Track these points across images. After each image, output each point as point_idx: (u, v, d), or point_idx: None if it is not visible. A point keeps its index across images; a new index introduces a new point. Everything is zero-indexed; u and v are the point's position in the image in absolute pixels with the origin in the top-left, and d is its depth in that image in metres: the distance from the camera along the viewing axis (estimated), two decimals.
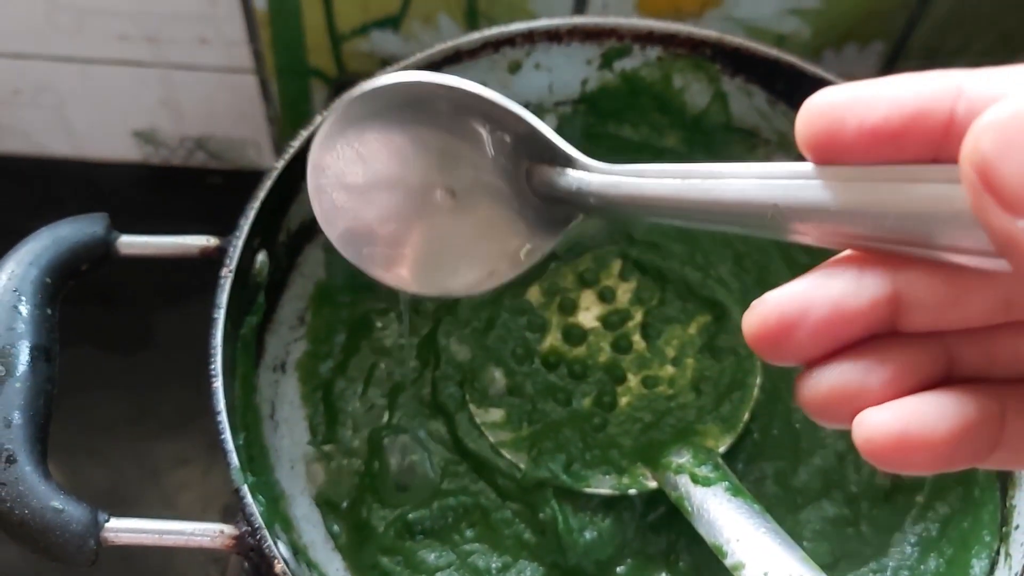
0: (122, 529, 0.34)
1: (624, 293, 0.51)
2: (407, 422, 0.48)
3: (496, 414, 0.47)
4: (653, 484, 0.44)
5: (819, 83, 0.49)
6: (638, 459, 0.45)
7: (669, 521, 0.45)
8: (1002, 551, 0.42)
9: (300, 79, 0.72)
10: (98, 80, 0.72)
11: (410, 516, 0.45)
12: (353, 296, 0.51)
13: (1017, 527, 0.41)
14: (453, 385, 0.48)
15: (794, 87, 0.51)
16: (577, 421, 0.47)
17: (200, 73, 0.71)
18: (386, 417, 0.48)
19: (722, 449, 0.44)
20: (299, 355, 0.49)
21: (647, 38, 0.50)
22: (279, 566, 0.34)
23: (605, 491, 0.44)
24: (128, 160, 0.81)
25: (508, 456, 0.45)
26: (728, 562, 0.39)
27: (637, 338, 0.50)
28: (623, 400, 0.48)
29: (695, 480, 0.42)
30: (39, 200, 0.79)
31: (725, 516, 0.40)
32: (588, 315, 0.51)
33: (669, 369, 0.49)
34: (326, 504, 0.46)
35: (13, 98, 0.74)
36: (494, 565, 0.44)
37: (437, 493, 0.46)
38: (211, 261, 0.41)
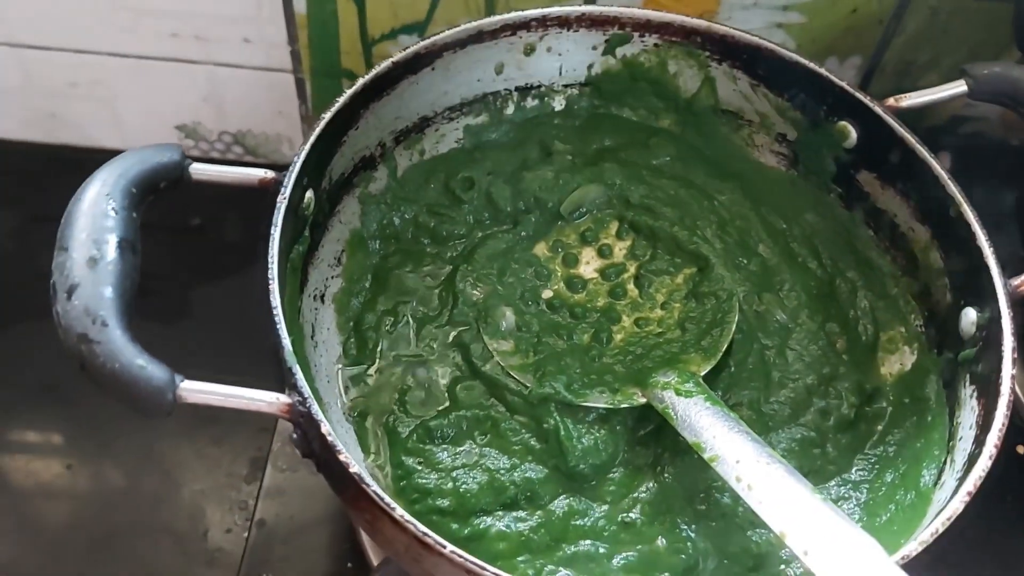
0: (194, 390, 0.40)
1: (620, 250, 0.58)
2: (428, 349, 0.54)
3: (506, 344, 0.53)
4: (642, 400, 0.50)
5: (796, 68, 0.57)
6: (630, 382, 0.51)
7: (656, 437, 0.51)
8: (947, 460, 0.48)
9: (333, 79, 0.78)
10: (149, 76, 0.79)
11: (431, 423, 0.51)
12: (383, 243, 0.58)
13: (961, 438, 0.47)
14: (469, 320, 0.55)
15: (774, 72, 0.58)
16: (577, 352, 0.53)
17: (242, 71, 0.78)
18: (410, 345, 0.54)
19: (702, 372, 0.51)
20: (336, 290, 0.55)
21: (645, 26, 0.58)
22: (324, 428, 0.40)
23: (601, 405, 0.50)
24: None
25: (517, 377, 0.52)
26: (707, 455, 0.45)
27: (631, 287, 0.57)
28: (617, 336, 0.54)
29: (679, 393, 0.48)
30: None
31: (704, 420, 0.46)
32: (588, 268, 0.58)
33: (658, 312, 0.55)
34: (357, 413, 0.52)
35: (70, 90, 0.81)
36: (503, 466, 0.50)
37: (454, 406, 0.52)
38: (267, 192, 0.48)
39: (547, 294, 0.56)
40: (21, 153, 0.85)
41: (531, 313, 0.55)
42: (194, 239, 0.81)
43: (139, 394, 0.38)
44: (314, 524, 0.64)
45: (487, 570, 0.37)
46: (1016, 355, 0.45)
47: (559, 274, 0.57)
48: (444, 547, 0.38)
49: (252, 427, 0.69)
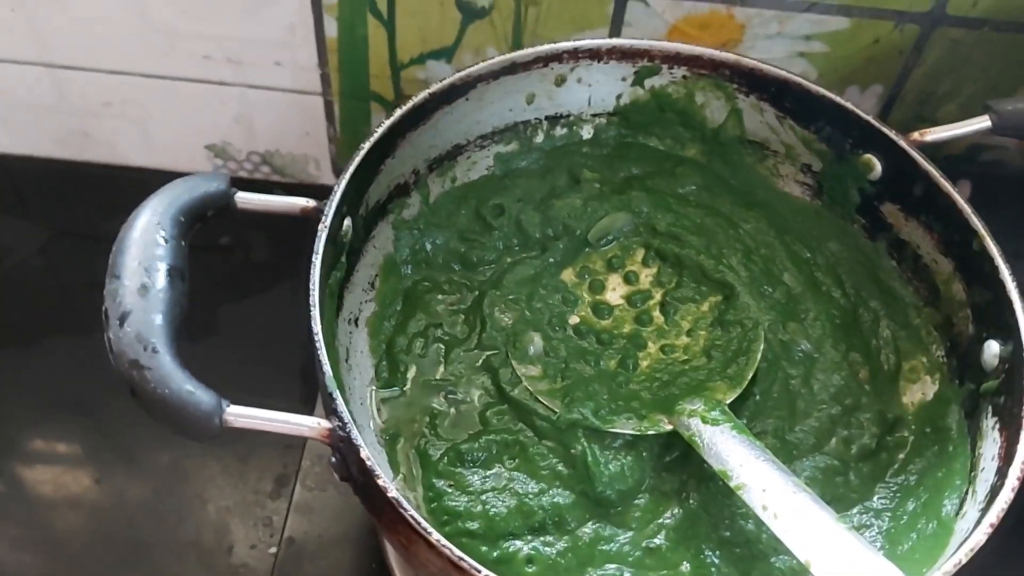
0: (240, 415, 0.41)
1: (646, 277, 0.59)
2: (457, 373, 0.55)
3: (534, 370, 0.55)
4: (669, 427, 0.51)
5: (823, 101, 0.58)
6: (656, 408, 0.52)
7: (682, 464, 0.52)
8: (970, 491, 0.49)
9: (361, 102, 0.80)
10: (181, 97, 0.80)
11: (462, 447, 0.52)
12: (414, 268, 0.59)
13: (983, 469, 0.48)
14: (497, 345, 0.56)
15: (801, 104, 0.59)
16: (604, 378, 0.54)
17: (272, 93, 0.80)
18: (440, 369, 0.55)
19: (728, 400, 0.52)
20: (369, 313, 0.57)
21: (674, 59, 0.59)
22: (364, 452, 0.41)
23: (628, 431, 0.51)
24: (199, 172, 0.89)
25: (545, 402, 0.53)
26: (733, 483, 0.46)
27: (657, 314, 0.58)
28: (644, 363, 0.56)
29: (705, 421, 0.49)
30: (118, 205, 0.88)
31: (730, 448, 0.47)
32: (614, 294, 0.59)
33: (684, 339, 0.56)
34: (389, 436, 0.53)
35: (103, 110, 0.82)
36: (532, 490, 0.51)
37: (484, 431, 0.53)
38: (308, 220, 0.49)
39: (574, 320, 0.57)
40: (52, 170, 0.86)
41: (559, 338, 0.56)
42: (223, 258, 0.83)
43: (188, 419, 0.40)
44: (342, 543, 0.65)
45: None
46: None
47: (586, 300, 0.58)
48: (479, 571, 0.39)
49: (278, 445, 0.71)
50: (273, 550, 0.66)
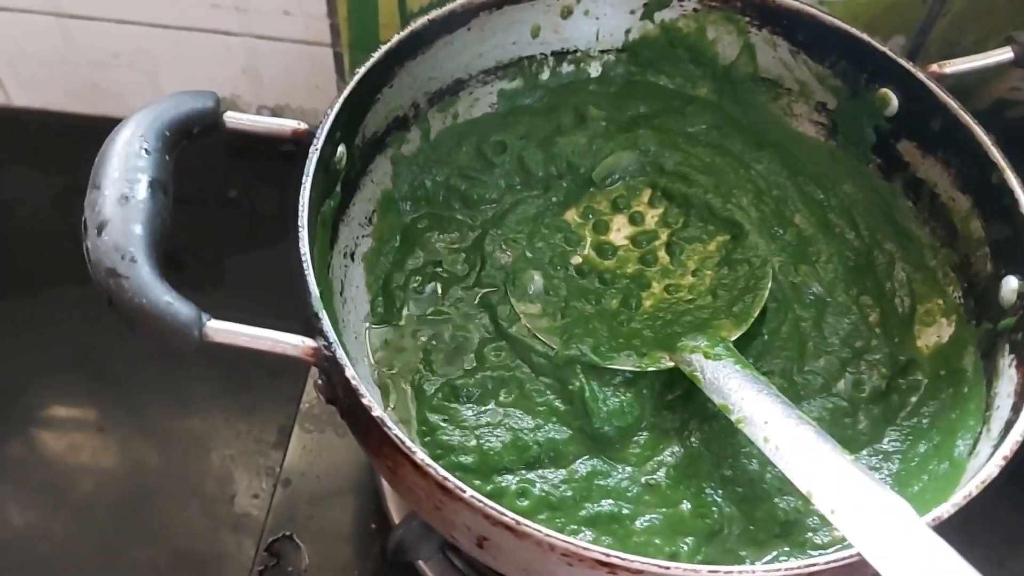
0: (222, 329, 0.40)
1: (652, 217, 0.58)
2: (455, 310, 0.54)
3: (533, 308, 0.53)
4: (670, 364, 0.49)
5: (837, 34, 0.56)
6: (658, 346, 0.50)
7: (684, 402, 0.50)
8: (984, 430, 0.47)
9: (371, 53, 0.79)
10: (189, 47, 0.80)
11: (457, 382, 0.50)
12: (414, 205, 0.57)
13: (998, 408, 0.46)
14: (496, 283, 0.54)
15: (814, 37, 0.57)
16: (605, 317, 0.53)
17: (281, 44, 0.79)
18: (437, 305, 0.54)
19: (733, 337, 0.50)
20: (366, 249, 0.55)
21: None
22: (349, 371, 0.40)
23: (628, 368, 0.49)
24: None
25: (543, 339, 0.51)
26: (734, 416, 0.44)
27: (662, 254, 0.56)
28: (647, 303, 0.54)
29: (707, 356, 0.48)
30: None
31: (732, 382, 0.46)
32: (619, 235, 0.57)
33: (689, 279, 0.55)
34: (384, 371, 0.52)
35: (112, 60, 0.82)
36: (527, 425, 0.49)
37: (480, 367, 0.51)
38: (301, 144, 0.48)
39: (576, 260, 0.56)
40: (64, 123, 0.86)
41: (559, 278, 0.55)
42: (231, 211, 0.82)
43: (166, 329, 0.39)
44: (339, 485, 0.64)
45: (505, 515, 0.37)
46: None
47: (589, 240, 0.57)
48: (464, 491, 0.38)
49: (282, 395, 0.70)
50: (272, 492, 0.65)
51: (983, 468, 0.40)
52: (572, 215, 0.57)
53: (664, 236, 0.56)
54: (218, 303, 0.73)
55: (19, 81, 0.85)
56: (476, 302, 0.54)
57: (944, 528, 0.39)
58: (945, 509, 0.39)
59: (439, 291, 0.54)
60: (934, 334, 0.53)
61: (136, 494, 0.67)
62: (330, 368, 0.41)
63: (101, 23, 0.79)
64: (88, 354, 0.73)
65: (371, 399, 0.40)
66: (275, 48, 0.79)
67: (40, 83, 0.85)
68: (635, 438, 0.49)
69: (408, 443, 0.39)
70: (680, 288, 0.54)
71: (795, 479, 0.41)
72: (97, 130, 0.87)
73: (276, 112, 0.85)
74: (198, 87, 0.83)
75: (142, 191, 0.40)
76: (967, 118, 0.51)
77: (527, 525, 0.37)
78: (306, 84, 0.83)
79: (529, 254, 0.55)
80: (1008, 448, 0.40)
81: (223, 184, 0.83)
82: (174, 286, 0.40)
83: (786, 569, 0.36)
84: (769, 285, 0.52)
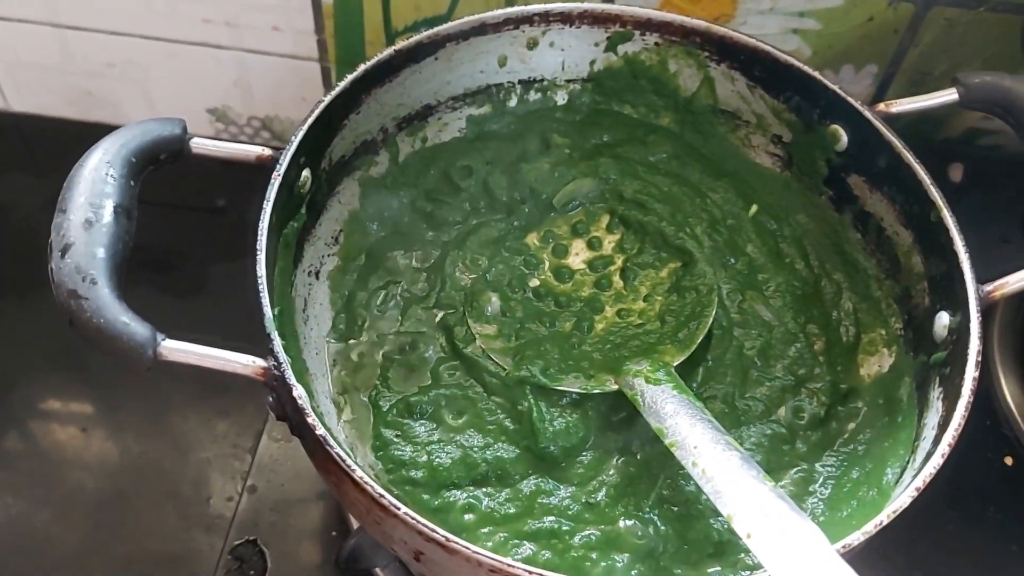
0: (174, 348, 0.42)
1: (609, 243, 0.60)
2: (414, 329, 0.56)
3: (489, 328, 0.55)
4: (614, 387, 0.51)
5: (791, 71, 0.58)
6: (604, 369, 0.52)
7: (628, 424, 0.52)
8: (911, 460, 0.48)
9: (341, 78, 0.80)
10: (181, 59, 0.82)
11: (411, 399, 0.53)
12: (380, 226, 0.60)
13: (924, 438, 0.48)
14: (455, 304, 0.56)
15: (770, 73, 0.59)
16: (558, 339, 0.55)
17: (270, 58, 0.81)
18: (397, 324, 0.56)
19: (675, 363, 0.52)
20: (331, 267, 0.58)
21: (646, 25, 0.59)
22: (296, 391, 0.42)
23: (575, 389, 0.52)
24: (201, 135, 0.90)
25: (496, 359, 0.53)
26: (667, 440, 0.46)
27: (616, 279, 0.58)
28: (599, 326, 0.56)
29: (648, 381, 0.50)
30: None
31: (669, 407, 0.48)
32: (577, 259, 0.59)
33: (641, 304, 0.57)
34: (341, 384, 0.54)
35: (106, 70, 0.84)
36: (477, 443, 0.51)
37: (434, 385, 0.54)
38: (265, 168, 0.50)
39: (534, 282, 0.58)
40: (58, 128, 0.89)
41: (516, 299, 0.57)
42: (218, 219, 0.84)
43: (122, 349, 0.41)
44: (303, 493, 0.66)
45: (436, 531, 0.39)
46: (980, 358, 0.45)
47: (547, 264, 0.59)
48: (399, 508, 0.40)
49: (259, 401, 0.72)
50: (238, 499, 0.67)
51: (897, 498, 0.42)
52: (533, 239, 0.60)
53: (620, 261, 0.58)
54: (199, 309, 0.76)
55: (17, 88, 0.88)
56: (435, 322, 0.56)
57: (877, 550, 0.41)
58: (855, 537, 0.40)
59: (400, 310, 0.56)
60: (876, 363, 0.55)
61: (116, 493, 0.69)
62: (279, 388, 0.43)
63: (97, 34, 0.81)
64: (74, 356, 0.75)
65: (315, 418, 0.42)
66: (264, 62, 0.81)
67: (37, 90, 0.88)
68: (579, 458, 0.51)
69: (348, 461, 0.41)
70: (631, 312, 0.56)
71: (718, 503, 0.43)
72: (91, 136, 0.89)
73: (265, 123, 0.87)
74: (190, 98, 0.86)
75: (106, 216, 0.43)
76: (909, 157, 0.53)
77: (455, 542, 0.39)
78: (294, 97, 0.85)
79: (489, 276, 0.57)
80: (922, 479, 0.42)
81: (212, 192, 0.86)
82: (159, 291, 0.42)
83: None
84: (714, 312, 0.54)
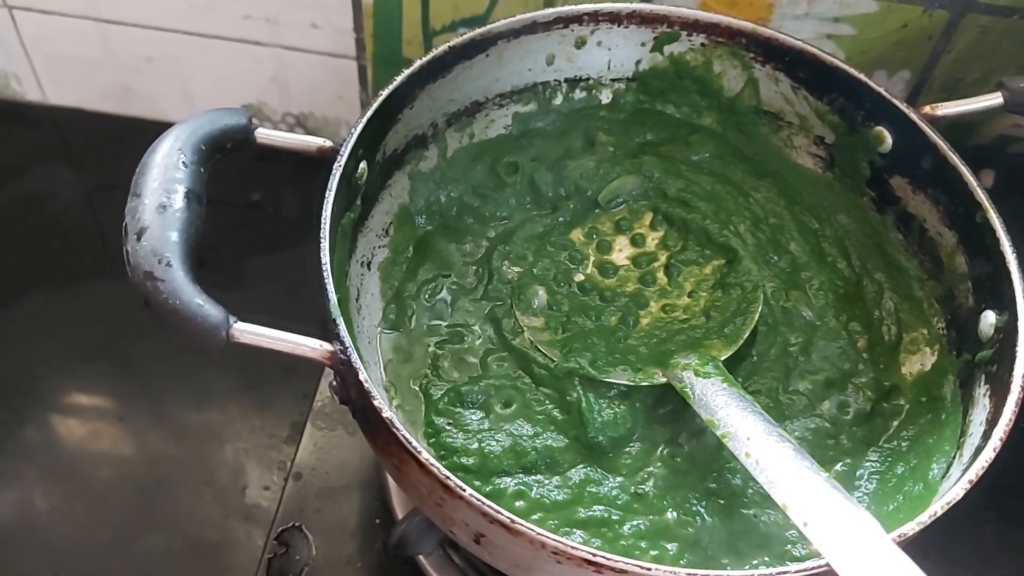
0: (247, 331, 0.43)
1: (653, 240, 0.61)
2: (462, 320, 0.57)
3: (536, 321, 0.56)
4: (663, 380, 0.52)
5: (836, 73, 0.59)
6: (652, 362, 0.53)
7: (674, 417, 0.53)
8: (957, 455, 0.49)
9: (393, 67, 0.81)
10: (220, 54, 0.83)
11: (462, 388, 0.53)
12: (428, 219, 0.61)
13: (971, 435, 0.49)
14: (503, 297, 0.57)
15: (815, 75, 0.60)
16: (604, 332, 0.56)
17: (308, 55, 0.82)
18: (446, 315, 0.57)
19: (723, 357, 0.53)
20: (382, 259, 0.59)
21: (693, 26, 0.60)
22: (362, 375, 0.43)
23: (623, 382, 0.52)
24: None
25: (544, 351, 0.54)
26: (719, 431, 0.47)
27: (660, 275, 0.59)
28: (644, 321, 0.57)
29: (697, 374, 0.51)
30: None
31: (719, 399, 0.49)
32: (620, 255, 0.60)
33: (685, 299, 0.58)
34: (393, 373, 0.55)
35: (146, 65, 0.85)
36: (526, 432, 0.52)
37: (484, 375, 0.55)
38: (325, 161, 0.51)
39: (579, 277, 0.59)
40: (97, 123, 0.90)
41: (562, 294, 0.58)
42: (255, 213, 0.85)
43: (196, 330, 0.42)
44: (347, 481, 0.67)
45: (501, 513, 0.40)
46: None
47: (592, 259, 0.60)
48: (464, 490, 0.41)
49: (296, 393, 0.73)
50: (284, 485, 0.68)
51: (950, 490, 0.43)
52: (577, 234, 0.60)
53: (663, 258, 0.59)
54: (239, 301, 0.77)
55: (55, 81, 0.89)
56: (484, 314, 0.57)
57: (918, 547, 0.41)
58: (910, 527, 0.41)
59: (448, 301, 0.57)
60: (918, 362, 0.56)
61: (152, 483, 0.70)
62: (345, 371, 0.44)
63: (137, 29, 0.82)
64: (112, 346, 0.76)
65: (382, 401, 0.43)
66: (302, 59, 0.82)
67: (75, 83, 0.89)
68: (627, 449, 0.52)
69: (414, 443, 0.42)
70: (676, 308, 0.57)
71: (772, 492, 0.43)
72: (128, 130, 0.91)
73: (300, 120, 0.88)
74: (227, 94, 0.87)
75: (179, 201, 0.44)
76: (955, 159, 0.54)
77: (521, 524, 0.40)
78: (330, 95, 0.86)
79: (535, 270, 0.58)
80: (974, 472, 0.43)
81: (249, 187, 0.87)
82: (200, 284, 0.44)
83: (758, 574, 0.39)
84: (760, 309, 0.55)
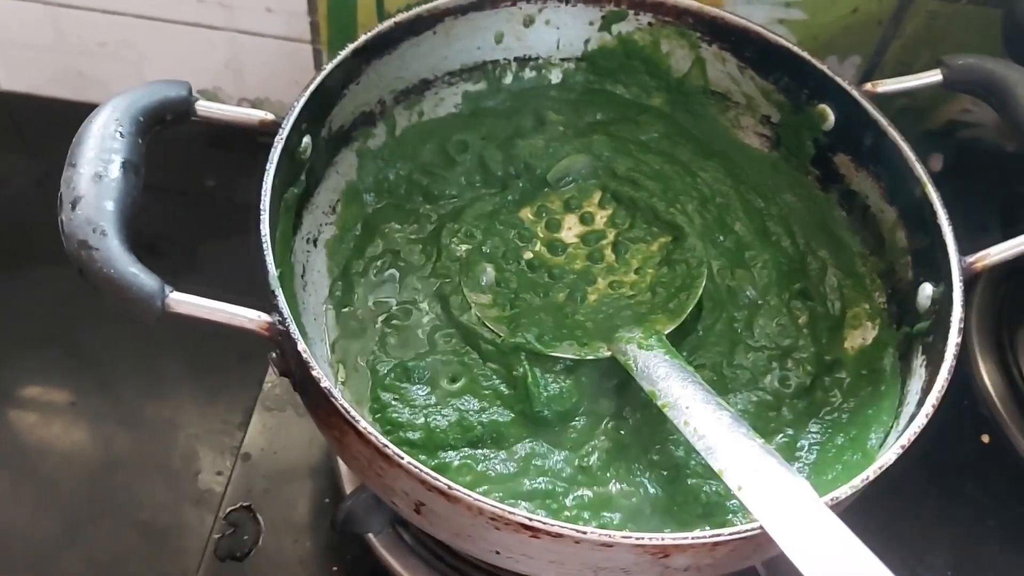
0: (182, 301, 0.43)
1: (601, 218, 0.61)
2: (410, 297, 0.57)
3: (484, 298, 0.56)
4: (607, 353, 0.52)
5: (781, 52, 0.59)
6: (598, 337, 0.54)
7: (619, 391, 0.54)
8: (895, 425, 0.50)
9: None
10: (174, 39, 0.82)
11: (409, 364, 0.53)
12: (376, 197, 0.61)
13: (908, 403, 0.50)
14: (451, 274, 0.57)
15: (760, 54, 0.60)
16: (552, 309, 0.56)
17: (262, 40, 0.81)
18: (394, 292, 0.57)
19: (667, 330, 0.53)
20: (328, 236, 0.58)
21: (640, 5, 0.61)
22: (300, 345, 0.43)
23: (569, 356, 0.53)
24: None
25: (492, 327, 0.55)
26: (660, 402, 0.48)
27: (608, 252, 0.59)
28: (592, 297, 0.57)
29: (641, 347, 0.51)
30: None
31: (661, 371, 0.49)
32: (569, 233, 0.60)
33: (632, 276, 0.58)
34: (339, 350, 0.55)
35: (98, 50, 0.84)
36: (472, 407, 0.52)
37: (431, 351, 0.55)
38: (268, 133, 0.51)
39: (528, 255, 0.59)
40: (49, 108, 0.89)
41: (511, 271, 0.58)
42: (208, 200, 0.85)
43: (131, 299, 0.42)
44: (296, 462, 0.67)
45: (439, 480, 0.40)
46: (962, 325, 0.47)
47: (541, 237, 0.60)
48: (402, 458, 0.41)
49: (249, 379, 0.73)
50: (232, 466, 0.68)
51: (883, 456, 0.43)
52: (526, 213, 0.61)
53: (611, 236, 0.60)
54: (190, 285, 0.76)
55: (7, 66, 0.87)
56: (431, 291, 0.57)
57: (859, 520, 0.42)
58: (843, 491, 0.42)
59: (396, 279, 0.57)
60: (859, 336, 0.57)
61: (103, 469, 0.69)
62: (283, 342, 0.44)
63: (89, 12, 0.81)
64: (64, 333, 0.75)
65: (320, 372, 0.43)
66: (257, 43, 0.81)
67: (27, 68, 0.87)
68: (572, 423, 0.52)
69: (352, 412, 0.42)
70: (623, 284, 0.57)
71: (710, 459, 0.44)
72: (81, 116, 0.89)
73: (256, 105, 0.88)
74: (181, 79, 0.86)
75: (115, 171, 0.43)
76: (895, 135, 0.54)
77: (458, 490, 0.40)
78: (286, 79, 0.85)
79: (484, 248, 0.58)
80: (906, 438, 0.44)
81: (201, 174, 0.86)
82: (151, 270, 0.43)
83: (692, 538, 0.40)
84: (703, 284, 0.55)
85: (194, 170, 0.85)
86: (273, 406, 0.69)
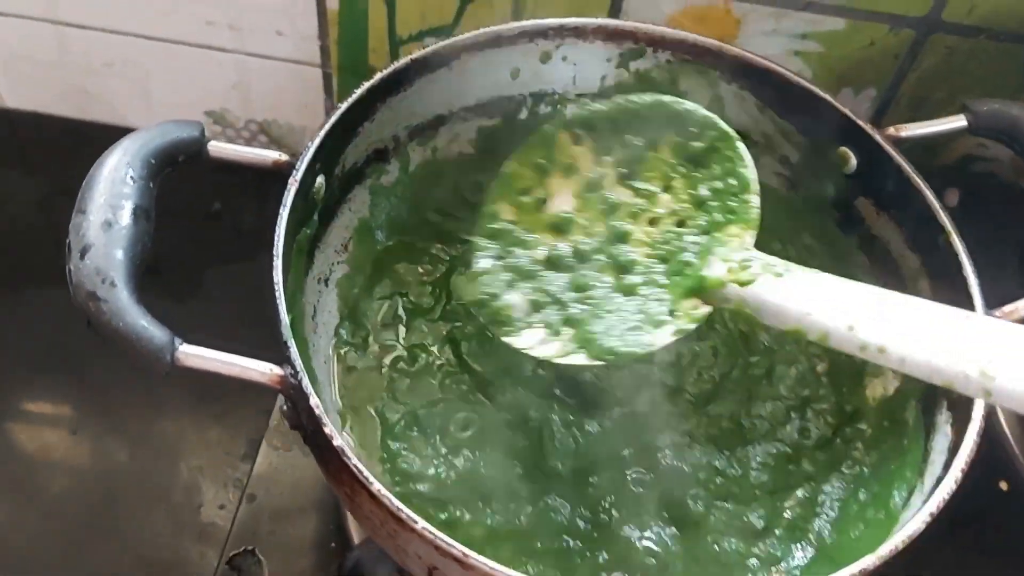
0: (192, 354, 0.42)
1: (584, 160, 0.50)
2: (418, 340, 0.56)
3: (535, 335, 0.47)
4: (707, 308, 0.44)
5: (803, 93, 0.58)
6: (682, 294, 0.44)
7: (639, 443, 0.52)
8: (919, 484, 0.49)
9: (358, 76, 0.80)
10: (182, 60, 0.81)
11: (419, 412, 0.52)
12: (388, 235, 0.59)
13: (932, 463, 0.48)
14: (460, 317, 0.56)
15: (780, 95, 0.59)
16: (606, 297, 0.46)
17: (272, 62, 0.80)
18: (402, 336, 0.56)
19: (749, 240, 0.45)
20: (340, 275, 0.57)
21: (659, 42, 0.60)
22: (313, 400, 0.42)
23: (669, 340, 0.44)
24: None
25: (562, 363, 0.45)
26: (812, 337, 0.40)
27: (619, 189, 0.49)
28: (638, 252, 0.47)
29: (741, 284, 0.43)
30: None
31: (782, 298, 0.41)
32: (563, 197, 0.50)
33: (665, 197, 0.48)
34: (348, 394, 0.54)
35: (105, 69, 0.83)
36: (484, 458, 0.51)
37: (441, 398, 0.53)
38: (281, 174, 0.50)
39: (540, 255, 0.49)
40: (53, 126, 0.88)
41: (536, 286, 0.48)
42: (213, 224, 0.84)
43: (140, 352, 0.40)
44: (302, 503, 0.65)
45: (454, 547, 0.39)
46: None
47: (540, 225, 0.50)
48: (416, 523, 0.40)
49: (252, 408, 0.72)
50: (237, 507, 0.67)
51: (910, 523, 0.42)
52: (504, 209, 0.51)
53: (608, 171, 0.49)
54: (193, 314, 0.75)
55: (12, 84, 0.87)
56: (441, 335, 0.56)
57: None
58: (871, 561, 0.41)
59: (404, 322, 0.56)
60: (880, 386, 0.56)
61: (105, 497, 0.68)
62: (296, 396, 0.43)
63: (96, 32, 0.80)
64: (66, 356, 0.74)
65: (333, 428, 0.41)
66: (266, 66, 0.80)
67: (33, 86, 0.86)
68: (589, 479, 0.51)
69: (366, 473, 0.41)
70: (661, 217, 0.48)
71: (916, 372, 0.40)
72: (85, 135, 0.89)
73: (263, 127, 0.87)
74: (188, 100, 0.85)
75: (125, 217, 0.42)
76: (919, 181, 0.53)
77: (474, 558, 0.39)
78: (294, 102, 0.84)
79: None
80: (934, 505, 0.42)
81: (207, 197, 0.85)
82: (155, 295, 0.42)
83: None
84: (748, 161, 0.47)
85: (199, 194, 0.84)
86: (279, 445, 0.67)
